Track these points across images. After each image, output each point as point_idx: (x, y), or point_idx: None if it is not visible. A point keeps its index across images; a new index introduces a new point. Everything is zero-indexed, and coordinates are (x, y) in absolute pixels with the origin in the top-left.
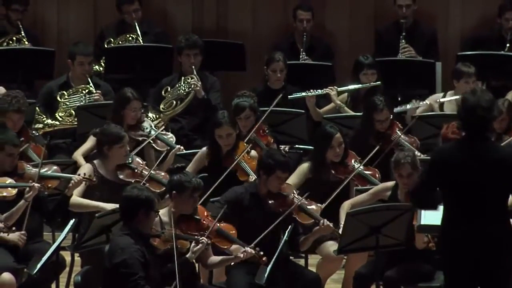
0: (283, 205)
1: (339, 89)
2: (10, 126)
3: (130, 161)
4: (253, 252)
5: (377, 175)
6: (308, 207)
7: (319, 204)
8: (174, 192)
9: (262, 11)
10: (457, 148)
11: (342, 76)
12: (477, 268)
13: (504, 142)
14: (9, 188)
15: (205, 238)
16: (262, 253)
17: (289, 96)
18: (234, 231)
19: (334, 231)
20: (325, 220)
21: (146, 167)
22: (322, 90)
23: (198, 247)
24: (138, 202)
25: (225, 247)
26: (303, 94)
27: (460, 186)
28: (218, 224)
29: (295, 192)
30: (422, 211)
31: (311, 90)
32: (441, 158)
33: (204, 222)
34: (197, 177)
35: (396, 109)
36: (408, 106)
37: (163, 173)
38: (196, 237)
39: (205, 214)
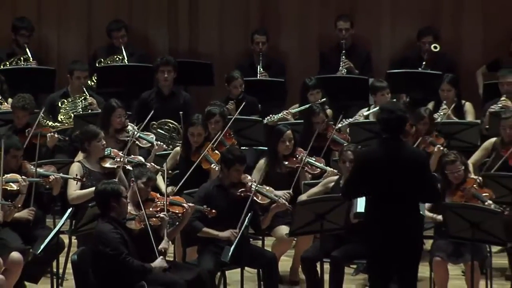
0: (244, 191)
1: (292, 111)
2: (16, 121)
3: (109, 152)
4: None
5: (322, 161)
6: (264, 190)
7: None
8: (132, 179)
9: (227, 36)
10: (377, 148)
11: (292, 89)
12: (394, 249)
13: (428, 141)
14: (15, 184)
15: (164, 213)
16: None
17: (264, 121)
18: (183, 200)
19: (288, 207)
20: (281, 198)
21: (122, 154)
22: (280, 115)
23: (164, 222)
24: (107, 194)
25: (178, 212)
26: (267, 120)
27: (381, 180)
28: (169, 198)
29: (252, 179)
30: (358, 201)
31: (273, 116)
32: (365, 157)
33: (158, 200)
34: (152, 172)
35: (337, 127)
36: (345, 123)
37: (138, 158)
38: (159, 213)
39: (156, 195)
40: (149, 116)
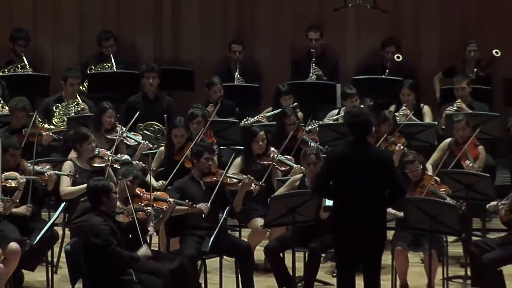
0: (215, 177)
1: (266, 114)
2: (15, 122)
3: (98, 152)
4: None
5: (293, 160)
6: (231, 174)
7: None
8: (120, 177)
9: (207, 45)
10: (346, 149)
11: (266, 94)
12: (359, 241)
13: (390, 140)
14: (14, 181)
15: (149, 208)
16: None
17: (241, 123)
18: (167, 196)
19: (254, 182)
20: (245, 176)
21: (109, 154)
22: (255, 118)
23: (150, 215)
24: (98, 189)
25: (163, 207)
26: (244, 122)
27: (348, 178)
28: (154, 194)
29: (221, 170)
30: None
31: (249, 118)
32: (334, 157)
33: (144, 195)
34: (138, 170)
35: (307, 128)
36: (315, 125)
37: (124, 156)
38: (146, 207)
39: (142, 191)
40: (135, 117)
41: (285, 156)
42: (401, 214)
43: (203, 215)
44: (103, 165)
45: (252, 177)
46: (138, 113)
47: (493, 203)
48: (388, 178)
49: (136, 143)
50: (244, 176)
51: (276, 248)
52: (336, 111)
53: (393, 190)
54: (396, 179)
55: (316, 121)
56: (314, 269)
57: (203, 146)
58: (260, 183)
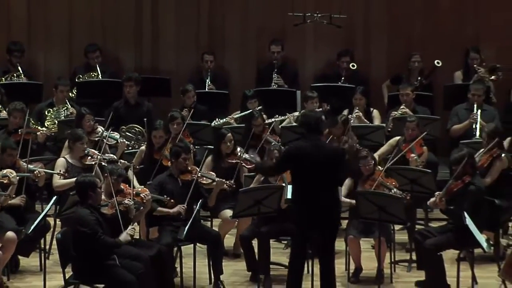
0: (191, 176)
1: (235, 116)
2: (13, 123)
3: (87, 152)
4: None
5: (258, 158)
6: (206, 173)
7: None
8: (106, 175)
9: (182, 56)
10: (303, 144)
11: (234, 99)
12: (316, 227)
13: (343, 140)
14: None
15: (130, 200)
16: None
17: (212, 124)
18: (147, 192)
19: (226, 183)
20: (218, 179)
21: (97, 153)
22: (225, 119)
23: (131, 208)
24: (85, 185)
25: (143, 201)
26: (214, 123)
27: (304, 170)
28: (135, 189)
29: (196, 167)
30: (287, 189)
31: (219, 120)
32: (294, 150)
33: (126, 190)
34: (122, 168)
35: (267, 121)
36: (273, 119)
37: (110, 155)
38: (127, 200)
39: (126, 186)
40: (110, 117)
41: (250, 154)
42: (354, 202)
43: (181, 216)
44: (92, 163)
45: (224, 180)
46: (111, 113)
47: (432, 200)
48: (340, 166)
49: (115, 141)
50: (217, 179)
51: (248, 236)
52: (298, 112)
53: (344, 173)
54: (346, 164)
55: (277, 116)
56: (265, 251)
57: (181, 147)
58: (232, 182)
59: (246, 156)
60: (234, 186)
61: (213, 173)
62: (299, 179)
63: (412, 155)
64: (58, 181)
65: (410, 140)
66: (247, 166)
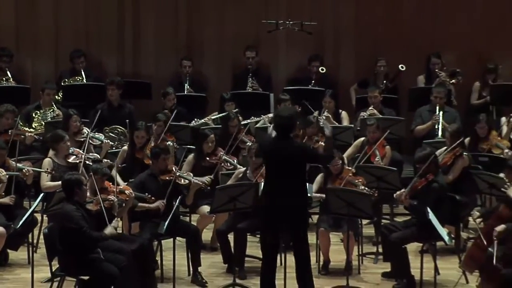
0: (170, 176)
1: (213, 117)
2: (5, 124)
3: (72, 151)
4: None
5: (235, 159)
6: (184, 174)
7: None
8: (90, 173)
9: (161, 61)
10: (271, 143)
11: (212, 101)
12: (283, 224)
13: (314, 139)
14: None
15: (114, 197)
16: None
17: (190, 124)
18: (130, 190)
19: (202, 185)
20: (194, 181)
21: (81, 152)
22: (203, 120)
23: (114, 204)
24: (71, 182)
25: (126, 198)
26: (193, 123)
27: (273, 168)
28: (118, 187)
29: (175, 167)
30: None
31: (197, 120)
32: (263, 147)
33: (110, 188)
34: (106, 167)
35: (243, 122)
36: (249, 121)
37: (95, 155)
38: (111, 197)
39: (109, 184)
40: (97, 116)
41: (230, 155)
42: (324, 195)
43: (160, 211)
44: (77, 161)
45: (199, 182)
46: (99, 112)
47: (398, 193)
48: (311, 158)
49: (100, 142)
50: (194, 180)
51: (224, 230)
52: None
53: (317, 162)
54: (316, 156)
55: (253, 117)
56: (241, 246)
57: (161, 149)
58: (212, 177)
59: (226, 157)
60: (209, 188)
61: (191, 174)
62: (267, 177)
63: (376, 159)
64: (46, 183)
65: (373, 142)
66: (226, 167)
